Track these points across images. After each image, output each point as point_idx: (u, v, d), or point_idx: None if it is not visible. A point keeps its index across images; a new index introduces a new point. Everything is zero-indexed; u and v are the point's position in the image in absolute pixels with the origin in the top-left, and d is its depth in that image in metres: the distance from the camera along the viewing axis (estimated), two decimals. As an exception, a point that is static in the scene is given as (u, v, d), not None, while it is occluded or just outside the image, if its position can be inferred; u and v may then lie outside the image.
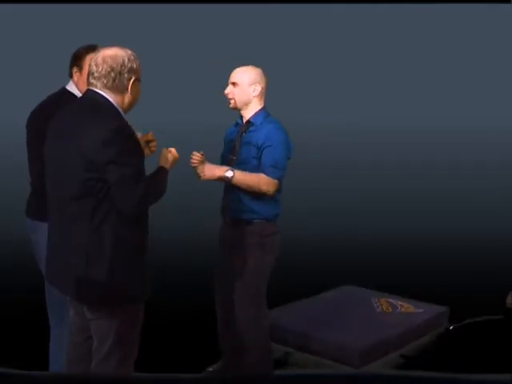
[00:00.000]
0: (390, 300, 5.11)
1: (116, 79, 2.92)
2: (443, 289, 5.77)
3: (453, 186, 11.01)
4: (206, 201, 8.17)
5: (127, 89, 2.96)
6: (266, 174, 3.67)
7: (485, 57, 22.08)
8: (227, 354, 4.13)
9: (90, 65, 2.97)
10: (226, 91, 3.84)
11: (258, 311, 3.85)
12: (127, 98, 2.98)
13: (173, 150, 3.18)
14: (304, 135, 16.73)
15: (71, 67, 3.69)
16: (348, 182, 11.13)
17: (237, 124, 3.95)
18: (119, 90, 2.94)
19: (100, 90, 2.93)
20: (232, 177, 3.63)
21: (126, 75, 2.94)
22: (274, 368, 4.20)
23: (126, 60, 2.94)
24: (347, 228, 8.07)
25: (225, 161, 3.90)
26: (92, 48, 3.62)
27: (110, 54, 2.93)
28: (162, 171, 3.08)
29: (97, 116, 2.88)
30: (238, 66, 3.91)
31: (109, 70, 2.92)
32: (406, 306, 5.01)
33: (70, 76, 3.71)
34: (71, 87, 3.69)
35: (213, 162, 3.70)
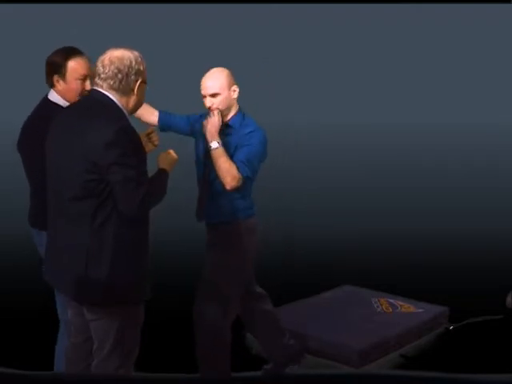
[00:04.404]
0: (390, 300, 5.12)
1: (122, 81, 2.92)
2: (443, 289, 5.76)
3: (453, 185, 11.00)
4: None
5: (133, 91, 2.96)
6: (236, 165, 3.59)
7: (485, 57, 22.06)
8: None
9: (96, 65, 2.97)
10: (208, 105, 3.65)
11: (221, 314, 3.77)
12: (133, 99, 2.98)
13: (171, 151, 3.18)
14: (303, 135, 16.72)
15: (50, 75, 3.50)
16: (348, 182, 11.12)
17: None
18: (125, 91, 2.94)
19: (106, 90, 2.93)
20: (215, 148, 3.57)
21: (132, 77, 2.94)
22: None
23: (134, 62, 2.94)
24: (347, 228, 8.06)
25: (199, 161, 3.82)
26: (73, 52, 3.49)
27: (117, 56, 2.93)
28: (162, 173, 3.08)
29: (100, 117, 2.88)
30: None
31: (116, 71, 2.91)
32: (406, 306, 5.01)
33: (51, 85, 3.53)
34: (54, 96, 3.53)
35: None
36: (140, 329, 3.09)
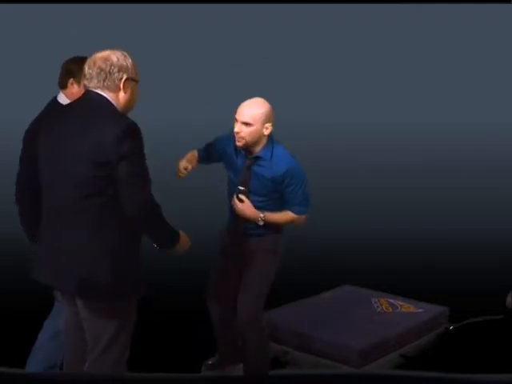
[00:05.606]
0: (390, 300, 5.11)
1: (106, 79, 2.93)
2: (443, 289, 5.76)
3: (453, 185, 11.00)
4: (205, 201, 8.17)
5: (119, 88, 2.96)
6: (293, 211, 3.76)
7: (485, 57, 22.06)
8: (225, 351, 4.14)
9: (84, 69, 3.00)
10: (237, 130, 3.64)
11: (261, 311, 3.86)
12: (122, 97, 2.97)
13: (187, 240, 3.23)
14: (303, 134, 16.72)
15: (66, 78, 3.60)
16: (348, 182, 11.12)
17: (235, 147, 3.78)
18: (111, 89, 2.94)
19: (96, 90, 2.94)
20: (264, 221, 3.72)
21: (116, 74, 2.94)
22: (274, 368, 4.21)
23: (116, 59, 2.95)
24: (347, 228, 8.06)
25: (233, 189, 3.80)
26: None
27: (100, 56, 2.96)
28: (178, 236, 3.12)
29: (106, 114, 2.89)
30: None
31: (98, 70, 2.93)
32: (406, 306, 5.01)
33: (63, 86, 3.63)
34: (62, 99, 3.61)
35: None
36: (132, 328, 3.10)
